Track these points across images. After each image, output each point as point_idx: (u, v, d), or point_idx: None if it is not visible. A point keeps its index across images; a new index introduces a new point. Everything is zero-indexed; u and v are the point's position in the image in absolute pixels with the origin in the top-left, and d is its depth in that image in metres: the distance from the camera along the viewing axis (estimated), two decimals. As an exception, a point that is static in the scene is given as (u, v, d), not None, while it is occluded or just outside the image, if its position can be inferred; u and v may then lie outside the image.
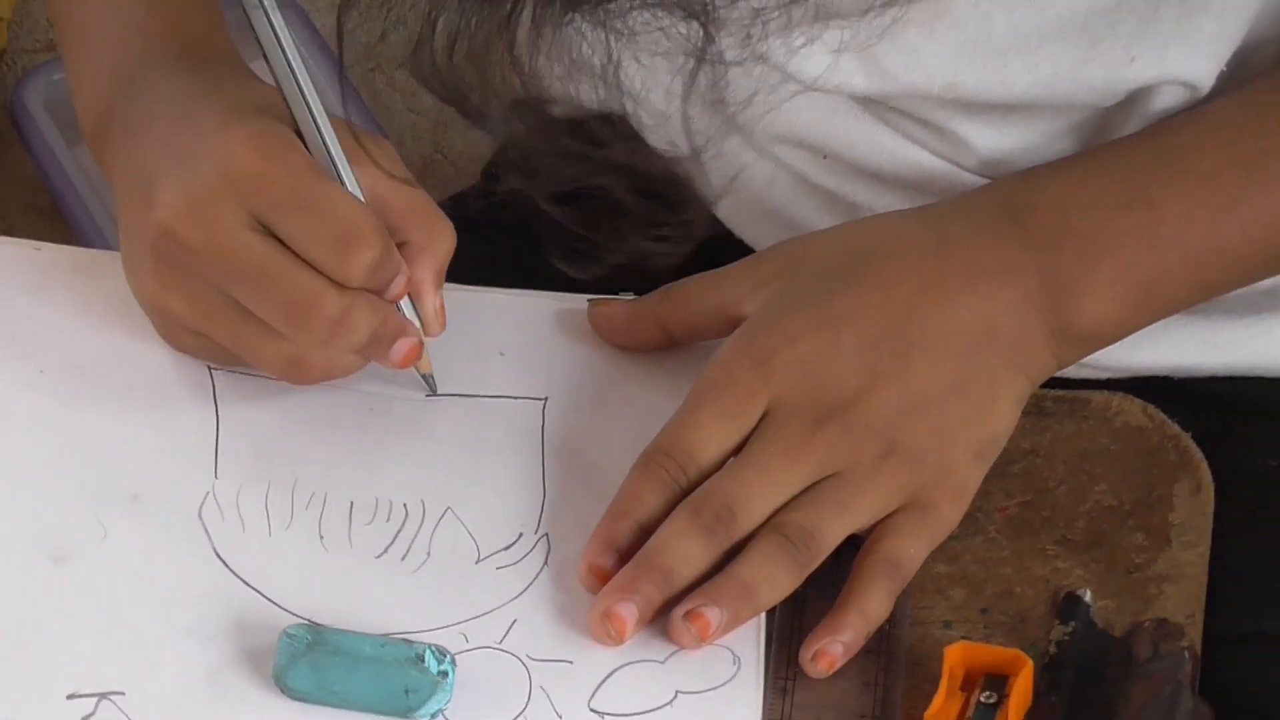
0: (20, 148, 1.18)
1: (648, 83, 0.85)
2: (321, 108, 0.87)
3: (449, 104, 0.78)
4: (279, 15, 0.85)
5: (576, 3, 0.68)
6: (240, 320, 0.83)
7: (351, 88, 0.88)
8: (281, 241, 0.81)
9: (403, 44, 0.78)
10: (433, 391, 0.88)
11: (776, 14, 0.81)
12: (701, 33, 0.73)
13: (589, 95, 0.81)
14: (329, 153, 0.85)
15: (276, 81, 0.86)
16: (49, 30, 1.33)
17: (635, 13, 0.69)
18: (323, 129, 0.87)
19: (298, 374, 0.84)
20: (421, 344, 0.85)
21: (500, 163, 1.12)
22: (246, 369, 0.87)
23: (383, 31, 0.74)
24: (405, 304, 0.84)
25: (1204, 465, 0.89)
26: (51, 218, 1.24)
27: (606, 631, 0.78)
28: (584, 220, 0.93)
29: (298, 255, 0.81)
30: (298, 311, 0.81)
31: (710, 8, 0.73)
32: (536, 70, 0.71)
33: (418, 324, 0.85)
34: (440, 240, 0.86)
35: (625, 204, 0.92)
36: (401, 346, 0.83)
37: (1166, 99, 0.93)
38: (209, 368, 0.88)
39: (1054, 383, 0.89)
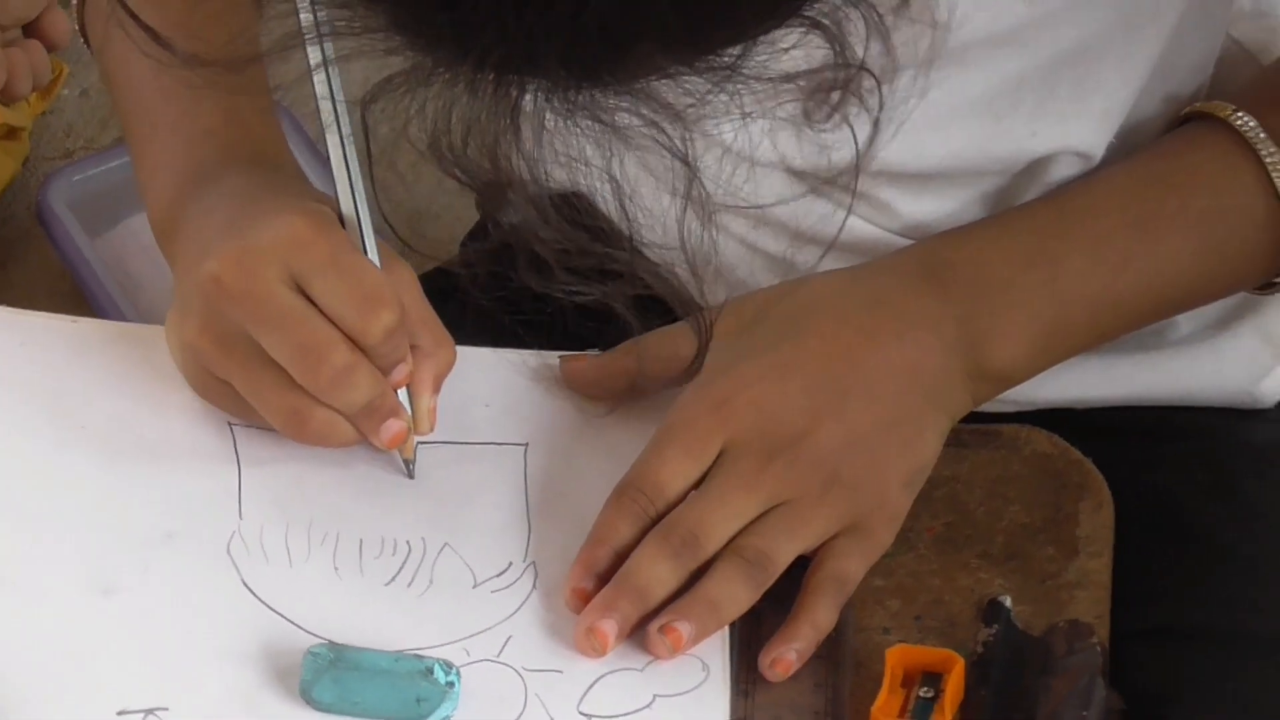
0: (46, 242, 1.21)
1: (639, 179, 0.89)
2: (368, 211, 0.91)
3: (473, 190, 0.79)
4: (347, 126, 0.90)
5: (573, 101, 0.74)
6: (259, 367, 0.85)
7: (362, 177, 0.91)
8: (313, 302, 0.86)
9: (394, 134, 0.86)
10: (410, 476, 0.90)
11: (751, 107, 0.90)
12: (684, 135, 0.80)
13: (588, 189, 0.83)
14: (365, 245, 0.89)
15: (335, 186, 0.91)
16: (65, 140, 1.37)
17: (622, 112, 0.75)
18: (365, 229, 0.91)
19: (298, 427, 0.86)
20: (409, 431, 0.88)
21: (476, 245, 1.15)
22: (262, 425, 0.88)
23: (404, 123, 0.79)
24: (402, 397, 0.87)
25: (1104, 485, 0.92)
26: (75, 300, 1.22)
27: (591, 645, 0.81)
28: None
29: (324, 313, 0.85)
30: (309, 355, 0.83)
31: (689, 109, 0.79)
32: (543, 161, 0.73)
33: (409, 416, 0.89)
34: (444, 351, 0.89)
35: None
36: (392, 426, 0.85)
37: (1064, 168, 0.96)
38: (230, 424, 0.90)
39: (970, 417, 0.92)
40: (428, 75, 0.66)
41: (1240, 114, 0.93)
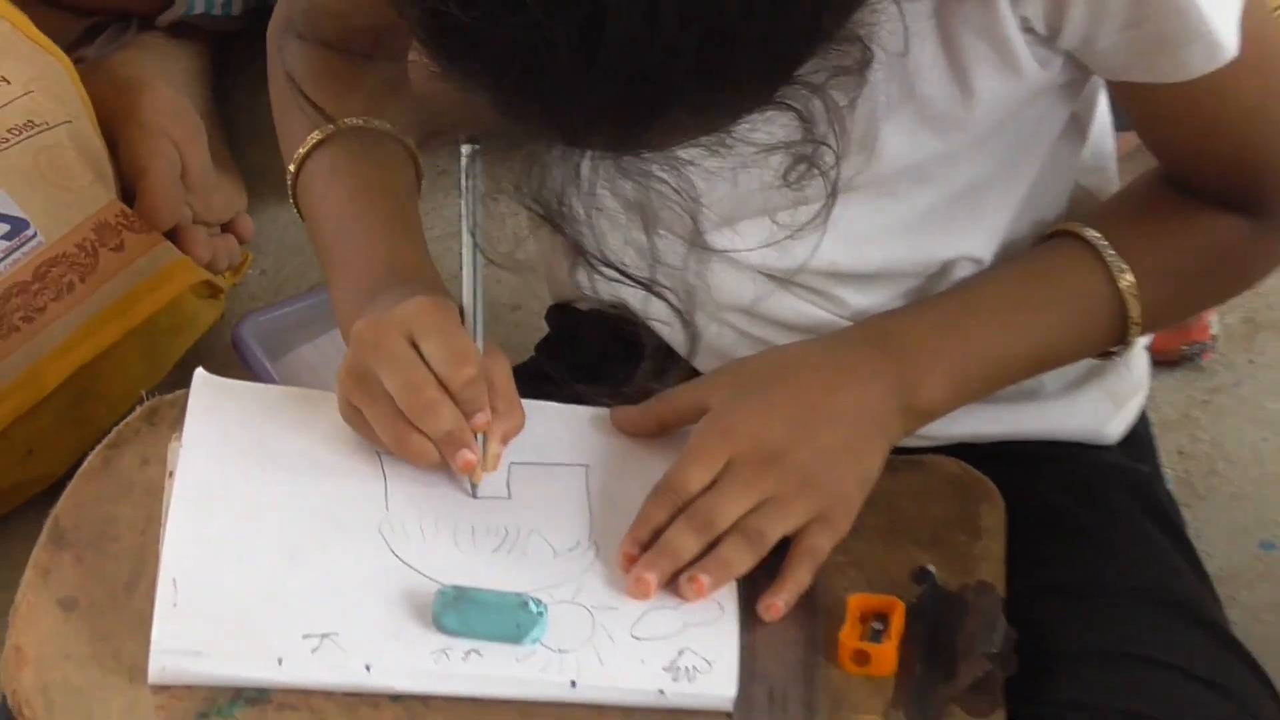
0: (239, 365, 1.28)
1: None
2: (482, 308, 0.98)
3: (542, 218, 0.81)
4: (476, 240, 0.98)
5: (614, 162, 0.75)
6: (379, 398, 0.91)
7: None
8: (421, 355, 0.91)
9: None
10: (473, 496, 0.94)
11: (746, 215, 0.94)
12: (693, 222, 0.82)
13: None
14: (477, 327, 0.95)
15: (463, 281, 0.97)
16: (249, 302, 1.43)
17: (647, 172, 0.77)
18: (478, 319, 0.97)
19: (399, 446, 0.91)
20: (478, 464, 0.92)
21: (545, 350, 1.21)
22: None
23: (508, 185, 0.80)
24: (479, 441, 0.91)
25: (997, 492, 0.99)
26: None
27: (639, 590, 0.87)
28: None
29: (427, 363, 0.90)
30: (410, 389, 0.89)
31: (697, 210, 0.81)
32: (594, 214, 0.78)
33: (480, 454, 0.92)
34: (515, 415, 0.94)
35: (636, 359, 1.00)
36: (465, 454, 0.90)
37: (963, 269, 1.02)
38: (378, 453, 0.95)
39: (898, 450, 0.97)
40: (519, 142, 0.73)
41: (1090, 230, 0.99)
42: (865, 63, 0.75)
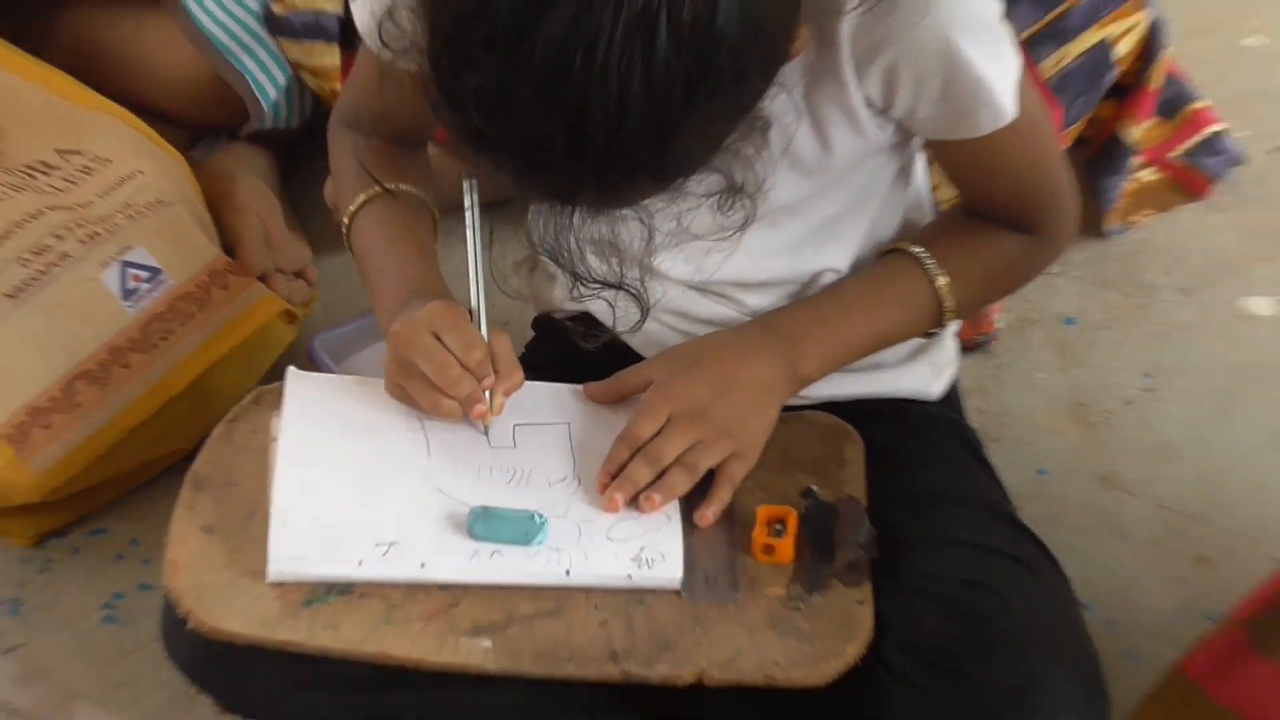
0: (314, 369, 1.23)
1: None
2: (484, 306, 1.04)
3: (542, 255, 0.90)
4: (480, 268, 1.04)
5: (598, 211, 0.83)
6: (417, 377, 0.98)
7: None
8: (444, 344, 0.98)
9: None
10: (486, 435, 1.01)
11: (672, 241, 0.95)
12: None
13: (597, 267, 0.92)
14: (481, 321, 1.02)
15: (469, 291, 1.03)
16: (316, 325, 1.52)
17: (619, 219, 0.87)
18: (482, 315, 1.03)
19: (434, 408, 0.98)
20: (488, 413, 1.00)
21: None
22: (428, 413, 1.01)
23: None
24: (486, 395, 0.98)
25: (856, 434, 1.07)
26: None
27: (610, 506, 0.96)
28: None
29: (449, 349, 0.97)
30: (440, 370, 0.97)
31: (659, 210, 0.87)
32: (583, 238, 0.85)
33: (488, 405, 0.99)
34: (515, 375, 1.00)
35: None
36: (479, 408, 0.97)
37: (828, 277, 1.09)
38: (419, 417, 1.02)
39: (786, 408, 1.05)
40: (524, 200, 0.82)
41: (915, 247, 1.07)
42: (765, 129, 0.84)
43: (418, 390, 0.98)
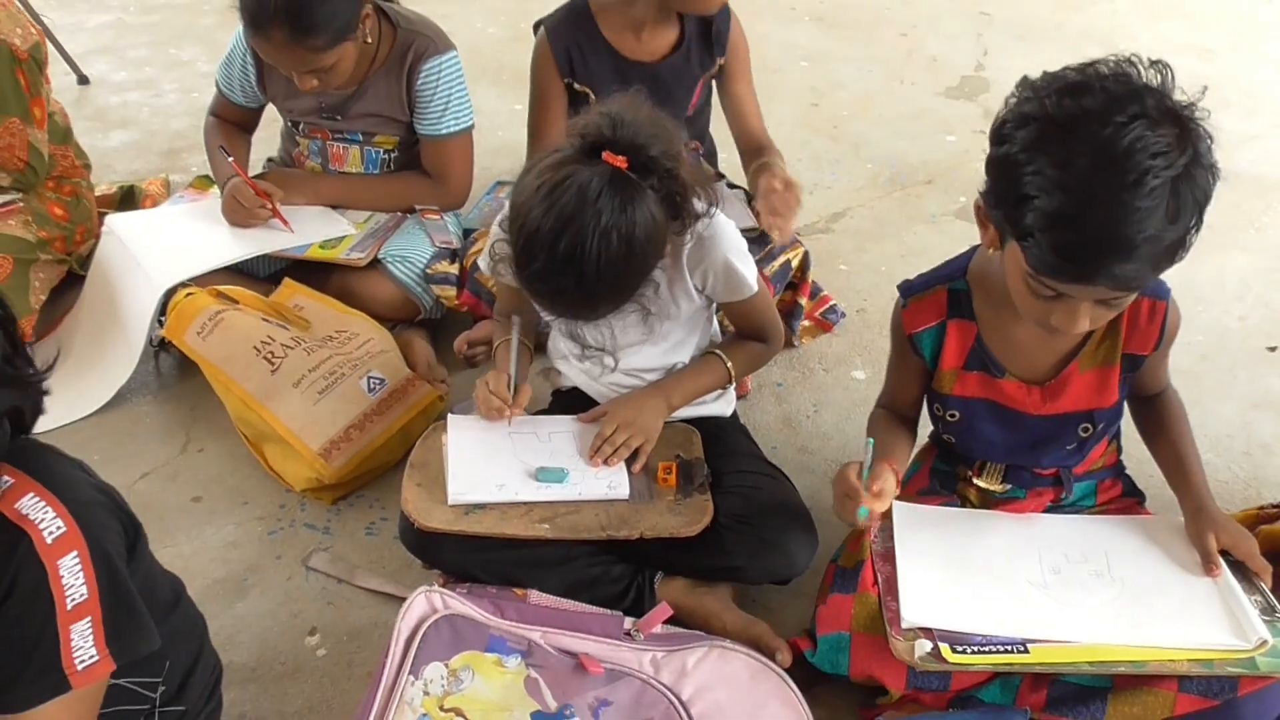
0: None
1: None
2: (517, 372, 1.74)
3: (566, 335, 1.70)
4: (518, 334, 1.80)
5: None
6: (481, 404, 1.72)
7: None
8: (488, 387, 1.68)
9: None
10: (538, 439, 1.72)
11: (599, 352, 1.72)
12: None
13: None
14: (513, 381, 1.72)
15: (512, 369, 1.78)
16: (450, 404, 2.27)
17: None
18: (515, 377, 1.72)
19: (487, 414, 1.71)
20: (509, 416, 1.71)
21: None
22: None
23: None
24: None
25: (696, 431, 1.82)
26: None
27: (595, 464, 1.72)
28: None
29: (491, 391, 1.68)
30: (485, 401, 1.70)
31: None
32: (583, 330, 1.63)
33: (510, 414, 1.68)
34: (519, 407, 1.73)
35: None
36: (506, 413, 1.69)
37: (680, 366, 1.78)
38: (506, 430, 1.74)
39: (666, 422, 1.76)
40: (554, 316, 1.64)
41: (717, 350, 1.79)
42: (655, 289, 1.56)
43: (484, 412, 1.80)
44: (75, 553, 1.11)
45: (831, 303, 2.59)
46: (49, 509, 1.12)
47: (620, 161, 1.48)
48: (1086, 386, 1.59)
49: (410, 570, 1.96)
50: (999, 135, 1.33)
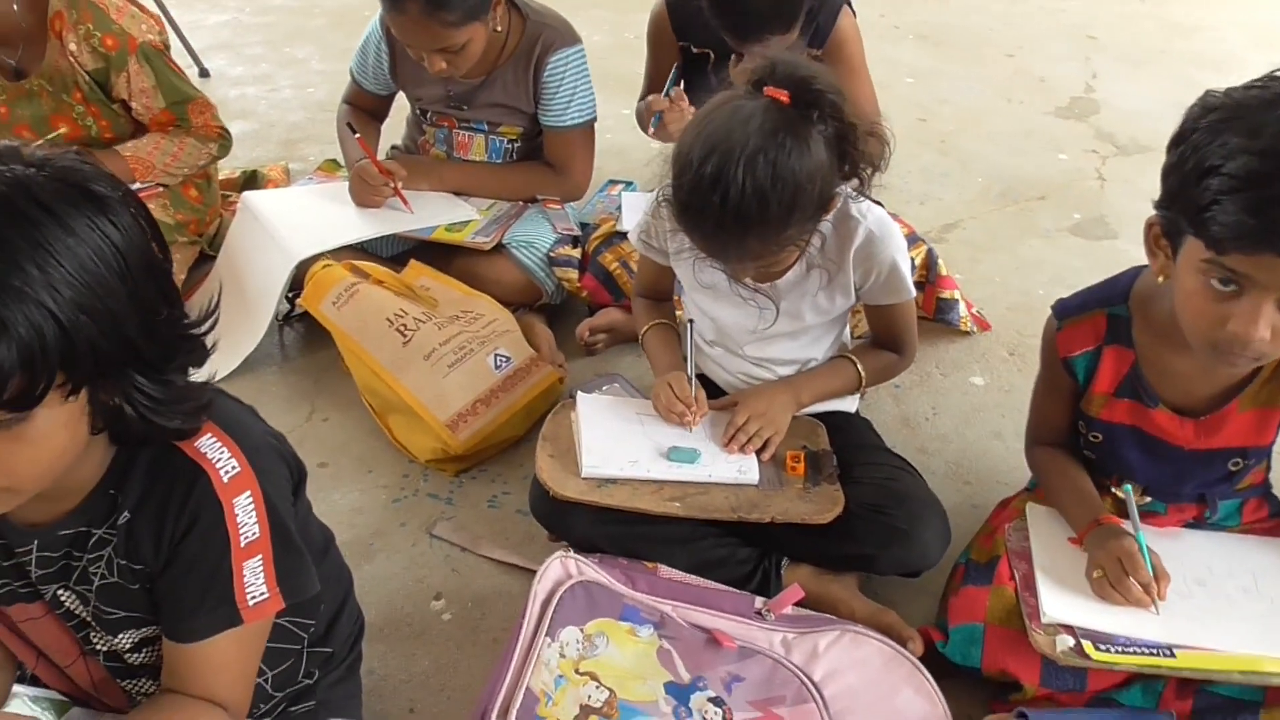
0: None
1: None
2: (694, 374, 1.75)
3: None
4: (692, 341, 1.80)
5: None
6: (661, 401, 1.75)
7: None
8: (672, 389, 1.68)
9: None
10: (690, 431, 1.72)
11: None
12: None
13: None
14: (692, 381, 1.72)
15: (688, 369, 1.79)
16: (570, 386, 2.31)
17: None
18: (692, 378, 1.73)
19: (668, 417, 1.71)
20: (693, 423, 1.71)
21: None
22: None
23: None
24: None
25: (822, 425, 1.81)
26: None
27: (731, 450, 1.71)
28: None
29: (674, 393, 1.68)
30: (668, 406, 1.71)
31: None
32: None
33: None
34: (703, 409, 1.72)
35: None
36: (686, 419, 1.68)
37: (813, 363, 1.77)
38: (638, 410, 1.79)
39: (794, 416, 1.79)
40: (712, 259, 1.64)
41: (850, 353, 1.76)
42: (822, 240, 1.57)
43: (661, 412, 1.79)
44: (249, 492, 1.14)
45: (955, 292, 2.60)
46: (225, 449, 1.15)
47: (782, 95, 1.48)
48: (1245, 425, 1.55)
49: (533, 544, 1.98)
50: (1177, 139, 1.30)
